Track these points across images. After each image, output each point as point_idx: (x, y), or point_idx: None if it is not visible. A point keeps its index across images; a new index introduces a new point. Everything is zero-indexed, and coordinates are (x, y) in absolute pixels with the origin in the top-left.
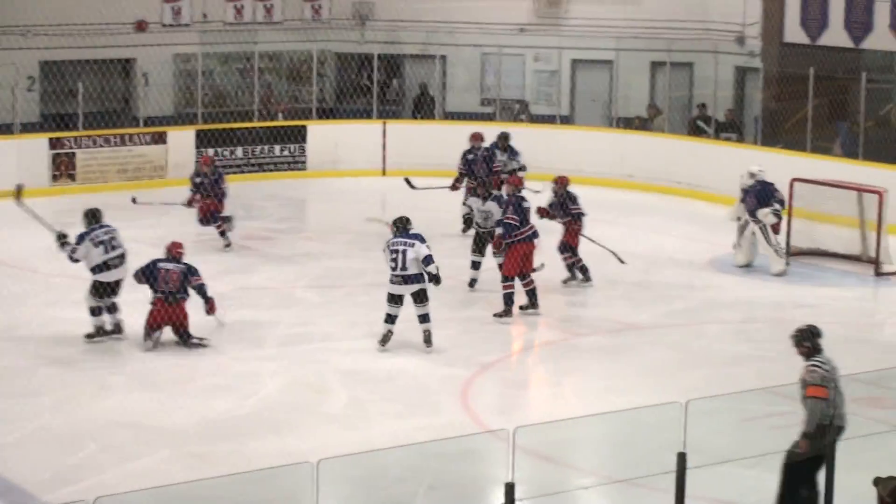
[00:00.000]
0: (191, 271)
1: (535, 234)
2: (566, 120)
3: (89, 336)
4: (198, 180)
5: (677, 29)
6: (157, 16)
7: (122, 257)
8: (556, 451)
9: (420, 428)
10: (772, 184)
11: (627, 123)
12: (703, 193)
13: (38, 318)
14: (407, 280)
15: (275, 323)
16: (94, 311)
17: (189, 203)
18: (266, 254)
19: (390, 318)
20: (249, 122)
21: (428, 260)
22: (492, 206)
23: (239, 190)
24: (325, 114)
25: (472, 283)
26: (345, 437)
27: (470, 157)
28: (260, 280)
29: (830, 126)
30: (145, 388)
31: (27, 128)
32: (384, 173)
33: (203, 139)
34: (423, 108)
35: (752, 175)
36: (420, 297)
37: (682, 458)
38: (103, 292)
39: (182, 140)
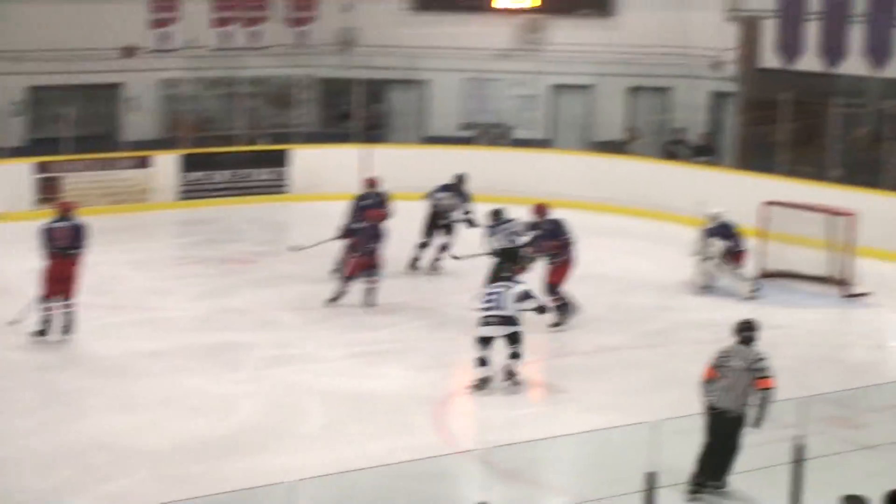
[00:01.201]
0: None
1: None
2: (546, 144)
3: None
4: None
5: (655, 54)
6: (144, 41)
7: None
8: (529, 470)
9: (395, 449)
10: (732, 226)
11: (605, 147)
12: (677, 216)
13: (18, 340)
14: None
15: (253, 345)
16: None
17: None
18: (246, 276)
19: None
20: (233, 146)
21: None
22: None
23: (222, 213)
24: (310, 138)
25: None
26: (321, 457)
27: (363, 203)
28: (239, 302)
29: (805, 149)
30: (123, 410)
31: (13, 152)
32: None
33: (188, 163)
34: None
35: (713, 217)
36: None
37: (651, 477)
38: None
39: (166, 164)
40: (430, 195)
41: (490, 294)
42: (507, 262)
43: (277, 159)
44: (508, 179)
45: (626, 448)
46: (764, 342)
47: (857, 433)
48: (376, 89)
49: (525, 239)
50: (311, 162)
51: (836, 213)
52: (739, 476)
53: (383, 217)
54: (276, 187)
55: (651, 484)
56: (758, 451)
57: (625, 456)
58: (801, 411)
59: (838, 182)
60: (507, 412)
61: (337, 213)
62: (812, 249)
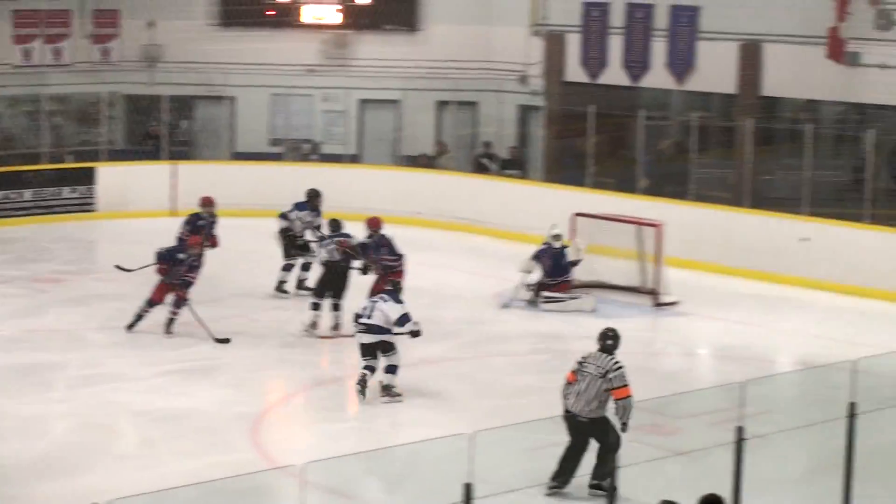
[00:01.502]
0: None
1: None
2: (355, 159)
3: None
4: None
5: (462, 69)
6: None
7: None
8: (346, 485)
9: (212, 465)
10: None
11: (414, 161)
12: (487, 229)
13: None
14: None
15: (64, 365)
16: None
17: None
18: (55, 296)
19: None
20: (38, 164)
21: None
22: None
23: (28, 232)
24: (115, 155)
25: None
26: (137, 477)
27: (199, 223)
28: (49, 322)
29: (612, 161)
30: None
31: None
32: (175, 213)
33: None
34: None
35: (556, 237)
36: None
37: (468, 488)
38: None
39: None
40: (283, 215)
41: (366, 305)
42: (331, 276)
43: (83, 177)
44: None
45: (443, 460)
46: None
47: (669, 440)
48: (183, 106)
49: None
50: (117, 179)
51: (644, 223)
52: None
53: (204, 244)
54: (82, 206)
55: (468, 495)
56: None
57: (442, 467)
58: (616, 419)
59: (645, 193)
60: (325, 427)
61: (145, 230)
62: (622, 260)
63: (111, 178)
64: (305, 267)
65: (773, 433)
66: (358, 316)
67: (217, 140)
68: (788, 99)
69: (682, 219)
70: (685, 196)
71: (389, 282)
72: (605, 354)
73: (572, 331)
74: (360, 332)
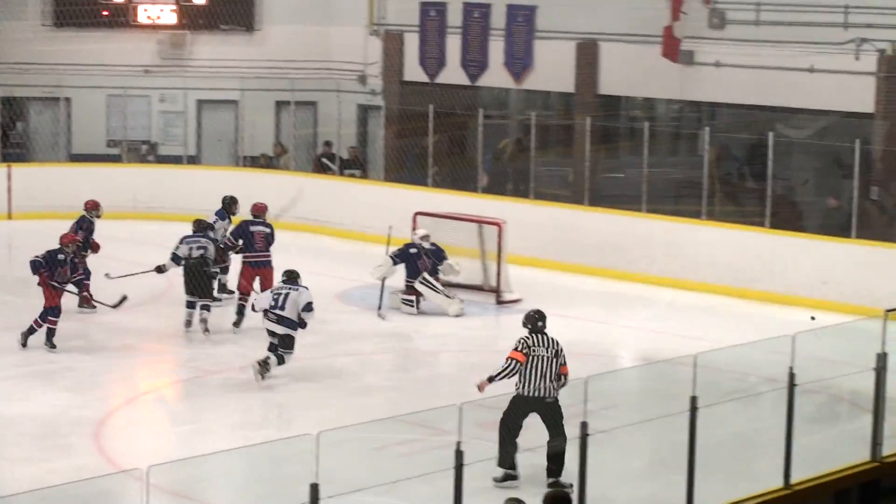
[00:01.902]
0: None
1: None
2: (193, 160)
3: None
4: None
5: (300, 69)
6: None
7: None
8: (191, 488)
9: (53, 471)
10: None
11: (254, 162)
12: (329, 229)
13: None
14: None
15: None
16: None
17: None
18: None
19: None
20: None
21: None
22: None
23: None
24: None
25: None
26: None
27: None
28: None
29: (453, 160)
30: None
31: None
32: (10, 217)
33: None
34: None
35: (424, 237)
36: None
37: (314, 489)
38: None
39: None
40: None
41: (276, 292)
42: (192, 274)
43: None
44: (155, 196)
45: (289, 460)
46: (424, 351)
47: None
48: (17, 107)
49: (211, 251)
50: None
51: (486, 222)
52: (400, 483)
53: (83, 250)
54: None
55: (315, 495)
56: (416, 459)
57: (287, 469)
58: (460, 417)
59: (486, 192)
60: (169, 429)
61: None
62: (464, 258)
63: None
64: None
65: (617, 428)
66: (270, 307)
67: (53, 142)
68: (626, 97)
69: (523, 217)
70: (526, 195)
71: (285, 272)
72: (546, 336)
73: (416, 329)
74: (271, 321)
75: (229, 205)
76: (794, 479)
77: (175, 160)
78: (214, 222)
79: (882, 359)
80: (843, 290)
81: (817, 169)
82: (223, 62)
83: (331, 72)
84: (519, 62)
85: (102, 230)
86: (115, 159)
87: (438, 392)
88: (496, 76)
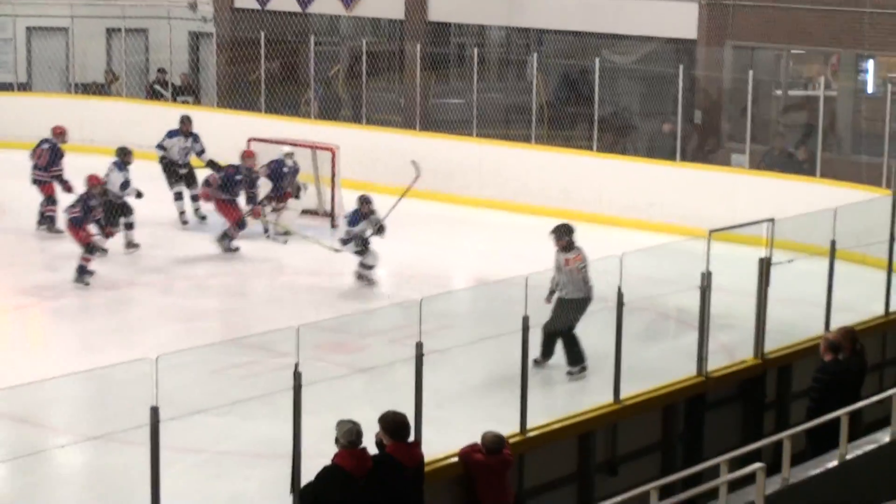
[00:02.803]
0: None
1: None
2: (25, 87)
3: None
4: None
5: None
6: None
7: None
8: (31, 413)
9: None
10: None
11: (86, 89)
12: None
13: None
14: None
15: None
16: None
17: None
18: None
19: None
20: None
21: None
22: None
23: None
24: None
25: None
26: None
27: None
28: None
29: (285, 87)
30: None
31: None
32: None
33: None
34: None
35: (289, 155)
36: None
37: (154, 411)
38: None
39: None
40: (159, 145)
41: None
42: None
43: None
44: None
45: (129, 384)
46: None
47: (353, 357)
48: None
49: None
50: None
51: (319, 147)
52: (238, 405)
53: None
54: None
55: (155, 417)
56: (253, 381)
57: (128, 392)
58: (297, 339)
59: (318, 118)
60: (4, 356)
61: None
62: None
63: None
64: (194, 198)
65: (452, 348)
66: None
67: None
68: (456, 24)
69: (356, 142)
70: (359, 120)
71: None
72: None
73: (254, 253)
74: None
75: (188, 122)
76: (623, 395)
77: (6, 88)
78: (165, 139)
79: (706, 278)
80: (670, 211)
81: (642, 94)
82: None
83: None
84: None
85: None
86: None
87: (275, 316)
88: (326, 3)
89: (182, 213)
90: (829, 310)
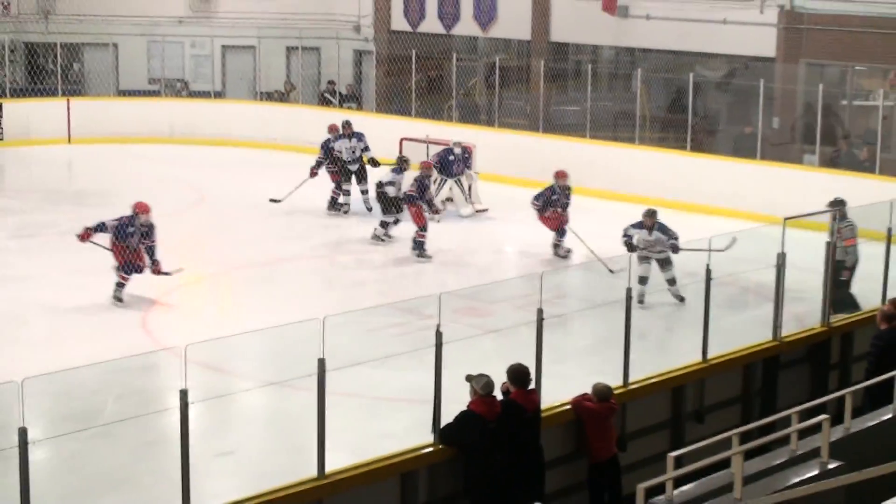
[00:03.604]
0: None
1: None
2: (219, 95)
3: None
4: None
5: (307, 20)
6: None
7: None
8: (222, 362)
9: (109, 349)
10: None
11: (268, 97)
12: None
13: None
14: None
15: None
16: None
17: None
18: None
19: None
20: None
21: None
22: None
23: None
24: (18, 93)
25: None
26: (45, 358)
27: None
28: None
29: (432, 96)
30: None
31: None
32: (69, 141)
33: None
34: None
35: (458, 144)
36: None
37: (321, 363)
38: None
39: None
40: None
41: None
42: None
43: None
44: (188, 124)
45: (301, 340)
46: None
47: (484, 320)
48: (73, 52)
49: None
50: (20, 114)
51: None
52: (391, 359)
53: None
54: None
55: (322, 368)
56: (404, 339)
57: (300, 347)
58: (439, 305)
59: (459, 122)
60: (201, 314)
61: (45, 156)
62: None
63: (14, 112)
64: (364, 192)
65: (567, 314)
66: None
67: (104, 80)
68: (573, 44)
69: (489, 142)
70: (492, 123)
71: None
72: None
73: (400, 233)
74: None
75: (348, 126)
76: (710, 355)
77: (204, 95)
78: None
79: (781, 258)
80: (751, 202)
81: (729, 103)
82: (243, 14)
83: (331, 23)
84: (485, 14)
85: (146, 153)
86: (154, 94)
87: (421, 286)
88: (466, 26)
89: (344, 205)
90: (886, 285)
